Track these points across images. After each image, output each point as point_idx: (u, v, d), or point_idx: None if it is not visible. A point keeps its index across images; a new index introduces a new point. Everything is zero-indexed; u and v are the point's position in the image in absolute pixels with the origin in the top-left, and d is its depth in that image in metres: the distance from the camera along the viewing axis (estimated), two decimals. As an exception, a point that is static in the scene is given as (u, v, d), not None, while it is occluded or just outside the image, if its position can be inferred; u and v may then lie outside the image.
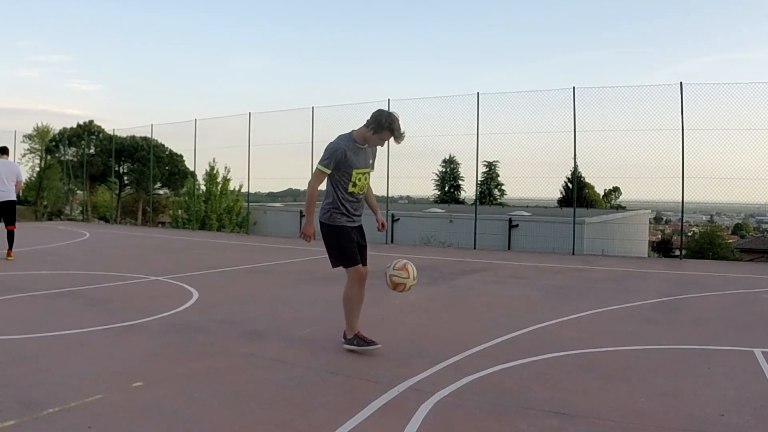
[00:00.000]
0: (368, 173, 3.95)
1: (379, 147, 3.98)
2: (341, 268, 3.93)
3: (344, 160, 3.75)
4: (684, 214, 11.70)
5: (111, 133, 26.99)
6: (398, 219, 18.79)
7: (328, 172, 3.76)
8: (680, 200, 11.10)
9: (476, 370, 3.54)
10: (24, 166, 31.73)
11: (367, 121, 3.78)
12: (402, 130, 3.78)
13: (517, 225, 17.44)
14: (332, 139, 3.83)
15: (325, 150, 3.79)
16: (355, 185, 3.85)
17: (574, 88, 12.01)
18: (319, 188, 3.92)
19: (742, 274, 8.84)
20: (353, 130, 3.84)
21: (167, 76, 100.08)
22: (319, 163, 3.78)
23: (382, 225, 4.14)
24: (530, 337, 4.46)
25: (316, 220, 3.90)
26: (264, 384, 3.26)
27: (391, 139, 3.83)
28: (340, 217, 3.86)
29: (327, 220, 3.89)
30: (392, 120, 3.74)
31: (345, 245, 3.85)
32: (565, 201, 28.41)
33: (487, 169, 37.72)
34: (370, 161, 3.95)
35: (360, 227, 4.02)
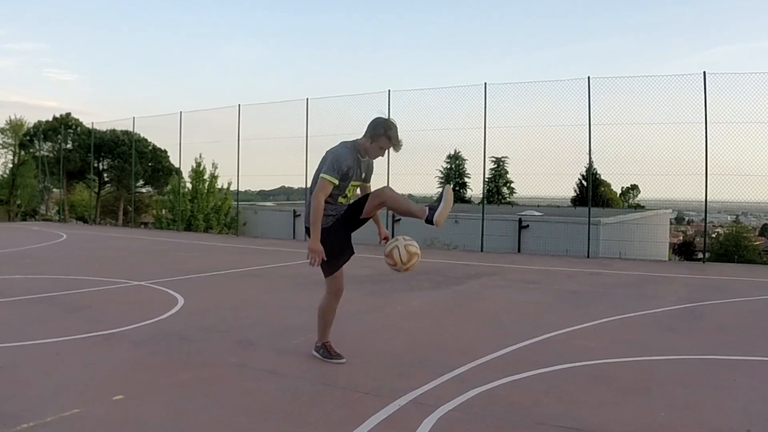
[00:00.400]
0: (358, 186, 3.99)
1: (379, 159, 4.01)
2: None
3: (347, 173, 3.77)
4: (707, 214, 11.72)
5: (90, 126, 27.04)
6: (399, 219, 18.81)
7: (336, 182, 3.74)
8: (703, 199, 11.13)
9: (483, 382, 3.55)
10: (-5, 162, 31.79)
11: (365, 131, 3.83)
12: (400, 139, 3.83)
13: (527, 225, 17.47)
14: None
15: (330, 158, 3.77)
16: (345, 197, 3.89)
17: (588, 78, 12.05)
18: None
19: (769, 278, 8.85)
20: (357, 140, 3.87)
21: (150, 66, 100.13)
22: (324, 172, 3.73)
23: (386, 239, 4.10)
24: (541, 347, 4.47)
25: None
26: (255, 396, 3.27)
27: (391, 149, 3.87)
28: (326, 218, 3.83)
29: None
30: (388, 126, 3.78)
31: (335, 250, 3.82)
32: (580, 200, 28.45)
33: (495, 166, 37.76)
34: (363, 175, 3.97)
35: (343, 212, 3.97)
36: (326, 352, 3.99)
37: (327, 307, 3.97)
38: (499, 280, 8.22)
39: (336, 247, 3.85)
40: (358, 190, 4.07)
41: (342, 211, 3.91)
